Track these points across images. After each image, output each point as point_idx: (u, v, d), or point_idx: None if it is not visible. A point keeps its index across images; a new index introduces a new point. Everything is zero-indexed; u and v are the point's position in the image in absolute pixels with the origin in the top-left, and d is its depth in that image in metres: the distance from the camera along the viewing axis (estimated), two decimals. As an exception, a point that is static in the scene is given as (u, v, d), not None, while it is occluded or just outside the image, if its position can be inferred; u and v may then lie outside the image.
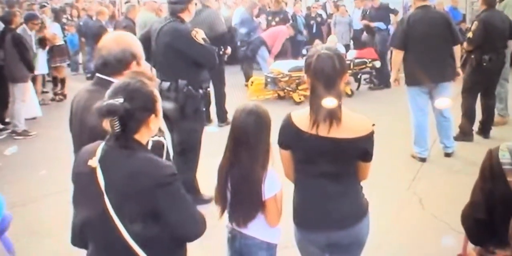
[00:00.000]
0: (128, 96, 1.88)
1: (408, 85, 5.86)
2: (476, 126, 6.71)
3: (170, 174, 1.90)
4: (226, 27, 7.59)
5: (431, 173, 5.61)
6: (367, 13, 11.08)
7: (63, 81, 10.04)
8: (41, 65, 9.18)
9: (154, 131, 2.03)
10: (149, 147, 2.10)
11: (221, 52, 7.14)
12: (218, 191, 2.64)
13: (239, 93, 9.40)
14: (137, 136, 1.94)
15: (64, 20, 12.39)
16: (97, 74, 2.55)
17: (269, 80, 9.24)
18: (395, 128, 6.83)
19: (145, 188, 1.85)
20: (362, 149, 2.41)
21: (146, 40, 4.55)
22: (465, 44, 6.47)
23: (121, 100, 1.85)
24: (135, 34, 6.38)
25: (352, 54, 10.29)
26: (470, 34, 6.48)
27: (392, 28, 10.26)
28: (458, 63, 5.86)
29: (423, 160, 5.88)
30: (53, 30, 10.05)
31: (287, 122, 2.43)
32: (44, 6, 12.12)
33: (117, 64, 2.49)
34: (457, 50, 5.78)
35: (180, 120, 4.53)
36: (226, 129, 2.69)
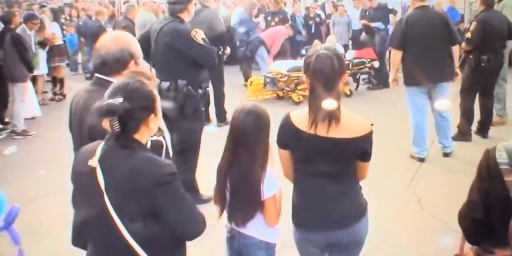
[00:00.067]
0: (127, 95, 1.88)
1: (407, 85, 5.87)
2: (474, 126, 6.72)
3: (170, 173, 1.91)
4: (225, 27, 7.60)
5: (430, 173, 5.62)
6: (366, 13, 11.08)
7: (61, 81, 10.04)
8: (42, 65, 9.19)
9: (154, 130, 2.04)
10: (148, 146, 2.10)
11: (220, 52, 7.15)
12: (217, 191, 2.64)
13: (238, 93, 9.40)
14: (136, 136, 1.95)
15: (62, 20, 12.38)
16: (96, 74, 2.56)
17: (268, 80, 9.24)
18: (393, 128, 6.84)
19: (145, 187, 1.86)
20: (361, 149, 2.42)
21: (145, 40, 4.57)
22: (463, 44, 6.48)
23: (120, 99, 1.86)
24: (134, 34, 6.40)
25: (350, 54, 10.31)
26: (468, 35, 6.49)
27: (391, 28, 10.26)
28: (457, 63, 5.87)
29: (421, 160, 5.89)
30: (52, 30, 10.04)
31: (286, 122, 2.44)
32: (44, 6, 12.13)
33: (116, 63, 2.49)
34: (456, 50, 5.79)
35: (180, 120, 4.54)
36: (225, 129, 2.69)
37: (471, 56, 6.48)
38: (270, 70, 9.44)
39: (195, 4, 5.20)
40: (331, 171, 2.43)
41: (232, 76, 9.96)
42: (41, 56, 9.19)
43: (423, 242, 4.06)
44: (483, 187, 1.93)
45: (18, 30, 7.87)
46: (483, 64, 6.35)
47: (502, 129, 6.90)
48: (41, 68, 9.25)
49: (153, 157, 1.96)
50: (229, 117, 6.76)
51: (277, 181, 2.57)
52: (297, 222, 2.57)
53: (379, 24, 10.61)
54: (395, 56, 5.91)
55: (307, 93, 2.45)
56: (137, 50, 2.59)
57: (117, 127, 1.86)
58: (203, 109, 5.14)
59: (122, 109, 1.84)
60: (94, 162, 1.91)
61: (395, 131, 6.72)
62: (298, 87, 9.17)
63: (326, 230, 2.50)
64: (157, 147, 2.21)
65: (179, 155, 4.54)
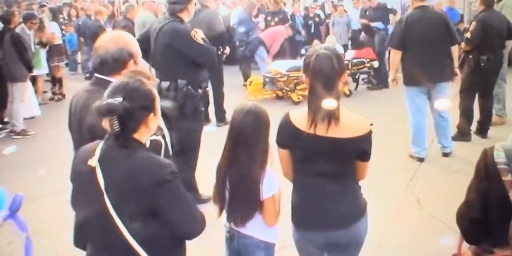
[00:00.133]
0: (127, 95, 1.89)
1: (406, 85, 5.87)
2: (474, 126, 6.72)
3: (170, 172, 1.91)
4: (224, 27, 7.60)
5: (429, 173, 5.62)
6: (366, 12, 11.08)
7: (60, 80, 10.04)
8: (43, 65, 9.22)
9: (153, 130, 2.04)
10: (147, 146, 2.10)
11: (219, 52, 7.15)
12: (217, 190, 2.64)
13: (237, 93, 9.40)
14: (136, 135, 1.95)
15: (60, 20, 12.38)
16: (96, 74, 2.56)
17: (267, 80, 9.24)
18: (393, 128, 6.84)
19: (145, 186, 1.86)
20: (360, 148, 2.42)
21: (145, 40, 4.56)
22: (463, 44, 6.49)
23: (120, 99, 1.86)
24: (134, 34, 6.40)
25: (350, 54, 10.30)
26: (468, 34, 6.49)
27: (391, 28, 10.26)
28: (456, 63, 5.87)
29: (421, 160, 5.89)
30: (51, 29, 10.05)
31: (285, 121, 2.44)
32: (44, 5, 12.12)
33: (115, 63, 2.49)
34: (455, 50, 5.79)
35: (179, 119, 4.52)
36: (225, 129, 2.69)
37: (470, 56, 6.48)
38: (270, 70, 9.43)
39: (195, 4, 5.19)
40: (330, 170, 2.43)
41: (231, 76, 9.95)
42: (42, 55, 9.19)
43: (423, 242, 4.06)
44: (481, 186, 1.93)
45: (17, 30, 7.87)
46: (482, 64, 6.35)
47: (502, 129, 6.90)
48: (43, 68, 9.26)
49: (153, 156, 1.96)
50: (228, 117, 6.77)
51: (276, 181, 2.57)
52: (296, 221, 2.57)
53: (378, 24, 10.61)
54: (394, 56, 5.91)
55: (306, 93, 2.46)
56: (136, 49, 2.59)
57: (117, 126, 1.86)
58: (203, 109, 5.13)
59: (121, 109, 1.84)
60: (93, 161, 1.91)
61: (394, 131, 6.72)
62: (298, 87, 9.17)
63: (325, 230, 2.50)
64: (156, 146, 2.21)
65: (178, 155, 4.51)
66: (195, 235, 2.02)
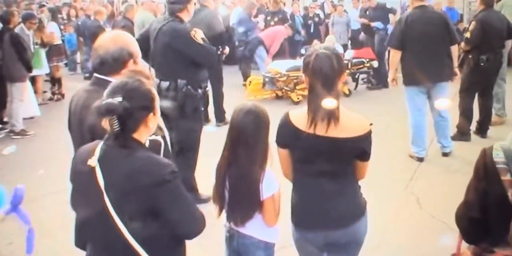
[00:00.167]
0: (126, 95, 1.89)
1: (406, 85, 5.87)
2: (473, 126, 6.73)
3: (170, 172, 1.90)
4: (224, 27, 7.60)
5: (429, 173, 5.62)
6: (366, 12, 11.09)
7: (59, 80, 10.04)
8: (44, 65, 9.22)
9: (153, 129, 2.04)
10: (146, 146, 2.10)
11: (219, 52, 7.15)
12: (216, 190, 2.64)
13: (237, 93, 9.41)
14: (135, 135, 1.95)
15: (59, 20, 12.37)
16: (95, 74, 2.55)
17: (267, 80, 9.24)
18: (392, 128, 6.84)
19: (145, 186, 1.86)
20: (359, 148, 2.41)
21: (144, 40, 4.56)
22: (462, 44, 6.49)
23: (119, 99, 1.86)
24: (133, 34, 6.39)
25: (350, 54, 10.30)
26: (468, 34, 6.49)
27: (391, 28, 10.27)
28: (456, 63, 5.88)
29: (420, 159, 5.89)
30: (50, 29, 10.04)
31: (285, 121, 2.44)
32: (43, 5, 12.11)
33: (114, 63, 2.49)
34: (455, 50, 5.79)
35: (179, 119, 4.54)
36: (224, 129, 2.69)
37: (470, 56, 6.48)
38: (269, 69, 9.43)
39: (194, 4, 5.19)
40: (330, 170, 2.43)
41: (231, 76, 9.95)
42: (43, 55, 9.19)
43: (422, 241, 4.06)
44: (480, 186, 1.93)
45: (16, 30, 7.87)
46: (482, 64, 6.36)
47: (501, 129, 6.90)
48: (44, 68, 9.26)
49: (152, 156, 1.96)
50: (228, 117, 6.78)
51: (276, 181, 2.57)
52: (296, 221, 2.57)
53: (378, 24, 10.61)
54: (394, 56, 5.92)
55: (306, 92, 2.46)
56: (136, 49, 2.59)
57: (117, 126, 1.86)
58: (202, 108, 5.13)
59: (121, 108, 1.84)
60: (93, 161, 1.91)
61: (394, 130, 6.72)
62: (297, 87, 9.17)
63: (325, 229, 2.50)
64: (155, 146, 2.21)
65: (178, 155, 4.54)
66: (195, 235, 2.02)
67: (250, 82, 9.60)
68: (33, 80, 8.88)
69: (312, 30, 13.51)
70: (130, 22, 9.32)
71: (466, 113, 6.57)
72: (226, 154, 2.60)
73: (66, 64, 12.17)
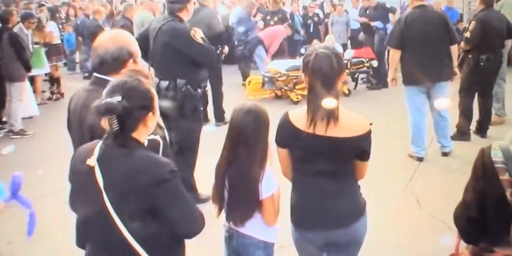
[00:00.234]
0: (125, 94, 1.88)
1: (406, 84, 5.87)
2: (473, 126, 6.73)
3: (169, 171, 1.90)
4: (223, 26, 7.59)
5: (428, 173, 5.62)
6: (366, 12, 11.09)
7: (58, 80, 10.04)
8: (45, 64, 9.24)
9: (152, 129, 2.03)
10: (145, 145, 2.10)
11: (218, 52, 7.15)
12: (216, 190, 2.64)
13: (236, 92, 9.40)
14: (135, 135, 1.94)
15: (58, 20, 12.37)
16: (95, 74, 2.55)
17: (266, 79, 9.24)
18: (392, 128, 6.84)
19: (145, 185, 1.85)
20: (359, 148, 2.41)
21: (144, 39, 4.56)
22: (462, 43, 6.49)
23: (119, 98, 1.85)
24: (132, 33, 6.39)
25: (349, 54, 10.30)
26: (467, 34, 6.49)
27: (391, 27, 10.27)
28: (455, 62, 5.87)
29: (420, 159, 5.89)
30: (49, 28, 10.04)
31: (284, 120, 2.44)
32: (43, 5, 12.10)
33: (114, 62, 2.48)
34: (454, 50, 5.79)
35: (179, 119, 4.53)
36: (224, 129, 2.69)
37: (470, 56, 6.48)
38: (269, 69, 9.43)
39: (194, 3, 5.19)
40: (330, 170, 2.42)
41: (230, 75, 9.95)
42: (43, 55, 9.19)
43: (422, 241, 4.06)
44: (478, 186, 1.93)
45: (15, 29, 7.86)
46: (482, 63, 6.36)
47: (501, 128, 6.90)
48: (45, 67, 9.27)
49: (151, 155, 1.96)
50: (227, 116, 6.78)
51: (275, 180, 2.56)
52: (295, 221, 2.57)
53: (378, 23, 10.62)
54: (393, 56, 5.92)
55: (305, 92, 2.45)
56: (136, 48, 2.58)
57: (116, 125, 1.86)
58: (202, 108, 5.13)
59: (120, 108, 1.84)
60: (92, 161, 1.90)
61: (393, 130, 6.72)
62: (297, 87, 9.17)
63: (325, 229, 2.50)
64: (154, 146, 2.20)
65: (177, 154, 4.53)
66: (194, 234, 2.02)
67: (250, 81, 9.60)
68: (32, 79, 8.88)
69: (311, 30, 13.51)
70: (129, 22, 9.31)
71: (465, 113, 6.57)
72: (226, 154, 2.59)
73: (65, 64, 12.17)
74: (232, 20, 10.63)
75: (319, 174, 2.43)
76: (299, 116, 2.40)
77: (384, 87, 9.83)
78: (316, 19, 13.69)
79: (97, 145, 1.95)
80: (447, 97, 5.70)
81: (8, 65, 7.44)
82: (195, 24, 5.25)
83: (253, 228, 2.61)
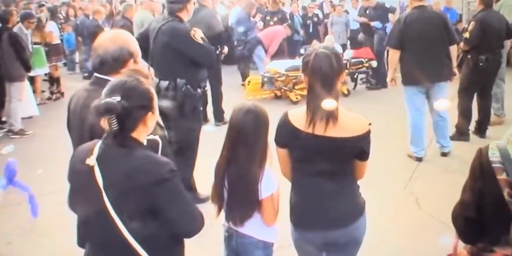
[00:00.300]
0: (125, 94, 1.88)
1: (405, 84, 5.87)
2: (472, 126, 6.73)
3: (169, 171, 1.90)
4: (223, 27, 7.59)
5: (428, 173, 5.62)
6: (366, 11, 11.09)
7: (57, 80, 10.04)
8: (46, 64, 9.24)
9: (151, 128, 2.04)
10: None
11: (218, 52, 7.15)
12: (215, 189, 2.64)
13: (236, 92, 9.40)
14: (134, 134, 1.94)
15: (57, 20, 12.37)
16: (95, 74, 2.55)
17: (266, 79, 9.24)
18: (391, 128, 6.84)
19: (144, 185, 1.85)
20: (358, 148, 2.41)
21: (144, 39, 4.56)
22: (461, 44, 6.49)
23: (118, 98, 1.86)
24: (132, 33, 6.39)
25: (348, 54, 10.30)
26: (467, 34, 6.49)
27: (390, 27, 10.27)
28: (455, 63, 5.88)
29: (419, 159, 5.89)
30: (49, 28, 10.04)
31: (284, 120, 2.44)
32: (43, 5, 12.10)
33: (114, 62, 2.48)
34: (454, 50, 5.80)
35: (178, 119, 4.53)
36: (223, 129, 2.69)
37: (469, 56, 6.49)
38: (268, 69, 9.43)
39: (194, 3, 5.19)
40: (329, 170, 2.43)
41: (230, 75, 9.95)
42: (44, 54, 9.19)
43: (421, 241, 4.06)
44: (476, 186, 1.93)
45: (15, 29, 7.86)
46: (481, 64, 6.36)
47: (500, 128, 6.90)
48: (45, 67, 9.26)
49: (151, 155, 1.96)
50: (226, 116, 6.77)
51: (275, 180, 2.56)
52: (295, 221, 2.57)
53: (376, 24, 10.62)
54: (393, 56, 5.92)
55: (305, 92, 2.46)
56: (136, 48, 2.58)
57: (115, 125, 1.86)
58: (201, 108, 5.13)
59: (120, 108, 1.84)
60: (92, 160, 1.90)
61: (393, 130, 6.72)
62: (296, 87, 9.17)
63: (324, 229, 2.50)
64: (153, 146, 2.21)
65: (177, 154, 4.53)
66: (193, 234, 2.02)
67: (249, 82, 9.59)
68: (32, 79, 8.88)
69: (311, 30, 13.51)
70: (129, 22, 9.31)
71: (465, 113, 6.58)
72: (225, 154, 2.59)
73: (64, 64, 12.17)
74: (231, 20, 10.62)
75: (319, 174, 2.44)
76: (298, 116, 2.40)
77: (383, 87, 9.83)
78: (315, 19, 13.69)
79: (97, 145, 1.95)
80: (446, 98, 5.71)
81: (8, 65, 7.44)
82: (194, 24, 5.25)
83: (253, 228, 2.61)
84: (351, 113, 2.43)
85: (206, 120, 7.44)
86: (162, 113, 3.38)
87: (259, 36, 10.28)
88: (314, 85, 2.32)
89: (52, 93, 9.97)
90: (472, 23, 6.46)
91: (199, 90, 4.66)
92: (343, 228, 2.49)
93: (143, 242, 1.88)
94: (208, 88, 6.03)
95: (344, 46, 12.04)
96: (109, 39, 2.55)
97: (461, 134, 6.55)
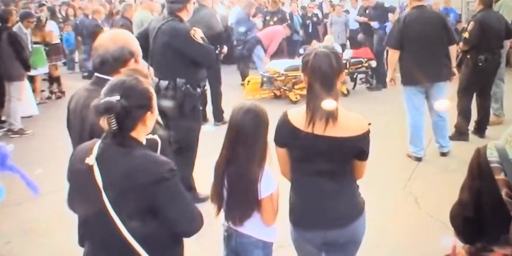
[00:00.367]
0: (124, 93, 1.88)
1: (404, 84, 5.87)
2: (471, 126, 6.73)
3: (168, 170, 1.90)
4: (222, 26, 7.59)
5: (427, 173, 5.62)
6: (366, 11, 11.09)
7: (57, 79, 10.04)
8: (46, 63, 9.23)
9: (150, 128, 2.04)
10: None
11: (217, 51, 7.15)
12: (215, 189, 2.64)
13: (235, 92, 9.41)
14: (133, 134, 1.94)
15: (57, 19, 12.37)
16: (96, 74, 2.55)
17: (265, 79, 9.24)
18: (391, 128, 6.85)
19: (144, 184, 1.85)
20: (358, 148, 2.41)
21: (143, 39, 4.55)
22: (461, 44, 6.49)
23: (117, 97, 1.86)
24: (132, 33, 6.38)
25: (348, 54, 10.30)
26: (466, 34, 6.49)
27: (390, 26, 10.27)
28: (454, 63, 5.88)
29: (418, 159, 5.90)
30: (49, 28, 10.03)
31: (283, 120, 2.44)
32: (43, 4, 12.10)
33: (115, 62, 2.48)
34: (453, 50, 5.80)
35: (178, 118, 4.53)
36: (223, 128, 2.69)
37: (468, 56, 6.49)
38: (267, 69, 9.43)
39: (193, 3, 5.19)
40: (328, 169, 2.43)
41: (229, 75, 9.95)
42: (44, 54, 9.19)
43: (421, 241, 4.06)
44: (474, 185, 1.93)
45: (14, 29, 7.86)
46: (480, 64, 6.36)
47: (499, 128, 6.90)
48: (46, 66, 9.26)
49: (150, 154, 1.96)
50: (226, 116, 6.78)
51: (274, 180, 2.56)
52: (294, 221, 2.57)
53: (375, 24, 10.63)
54: (392, 56, 5.92)
55: (304, 92, 2.46)
56: (137, 48, 2.58)
57: (114, 125, 1.86)
58: (201, 108, 5.13)
59: (119, 107, 1.84)
60: (91, 160, 1.90)
61: (392, 130, 6.73)
62: (296, 87, 9.17)
63: (323, 229, 2.50)
64: (152, 145, 2.21)
65: (176, 154, 4.53)
66: (193, 233, 2.02)
67: (248, 81, 9.60)
68: (32, 79, 8.87)
69: (310, 30, 13.51)
70: (129, 21, 9.30)
71: (464, 113, 6.58)
72: (225, 153, 2.59)
73: (64, 63, 12.16)
74: (231, 20, 10.63)
75: (318, 173, 2.44)
76: (298, 116, 2.41)
77: (382, 87, 9.83)
78: (315, 19, 13.69)
79: (96, 144, 1.96)
80: (445, 98, 5.71)
81: (7, 65, 7.44)
82: (194, 24, 5.25)
83: (252, 227, 2.61)
84: (351, 113, 2.43)
85: (205, 119, 7.43)
86: (162, 112, 3.39)
87: (259, 36, 10.28)
88: (313, 84, 2.33)
89: (52, 92, 9.96)
90: (472, 23, 6.46)
91: (198, 90, 4.66)
92: (343, 228, 2.50)
93: (143, 242, 1.88)
94: (207, 87, 6.04)
95: (343, 46, 12.03)
96: (110, 39, 2.55)
97: (460, 134, 6.55)
